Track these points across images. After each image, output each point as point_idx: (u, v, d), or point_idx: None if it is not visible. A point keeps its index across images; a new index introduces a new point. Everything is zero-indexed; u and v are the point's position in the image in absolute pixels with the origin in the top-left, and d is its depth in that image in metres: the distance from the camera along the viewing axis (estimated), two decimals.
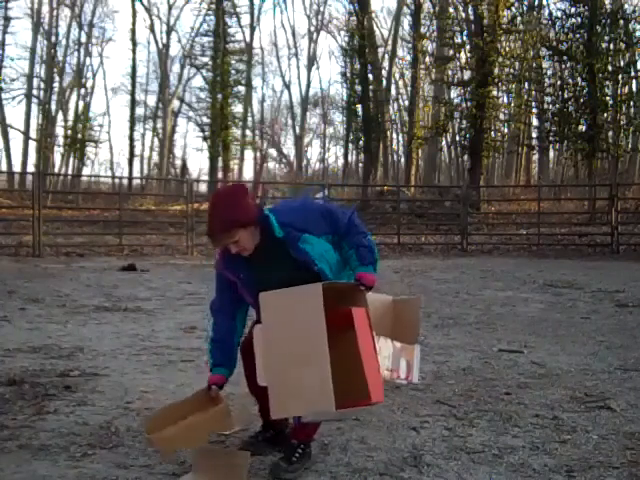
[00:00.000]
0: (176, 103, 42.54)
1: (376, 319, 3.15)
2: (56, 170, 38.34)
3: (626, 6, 26.10)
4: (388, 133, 36.60)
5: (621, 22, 23.82)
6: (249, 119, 42.20)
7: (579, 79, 24.36)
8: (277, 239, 3.23)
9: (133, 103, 37.24)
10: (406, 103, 38.54)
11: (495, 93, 27.70)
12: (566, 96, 25.14)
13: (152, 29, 42.72)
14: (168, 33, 42.14)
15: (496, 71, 26.01)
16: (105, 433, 3.73)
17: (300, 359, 2.86)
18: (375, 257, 3.27)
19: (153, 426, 3.10)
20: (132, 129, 36.59)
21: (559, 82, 26.65)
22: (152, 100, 43.78)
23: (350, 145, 36.10)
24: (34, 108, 38.19)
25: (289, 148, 56.77)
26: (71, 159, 39.40)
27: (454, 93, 30.88)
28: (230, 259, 3.31)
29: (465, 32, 28.33)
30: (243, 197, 3.21)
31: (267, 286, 3.14)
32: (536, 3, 28.90)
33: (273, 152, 51.29)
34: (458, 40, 28.53)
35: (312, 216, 3.26)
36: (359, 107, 30.69)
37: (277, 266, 3.28)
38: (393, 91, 41.02)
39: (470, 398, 4.48)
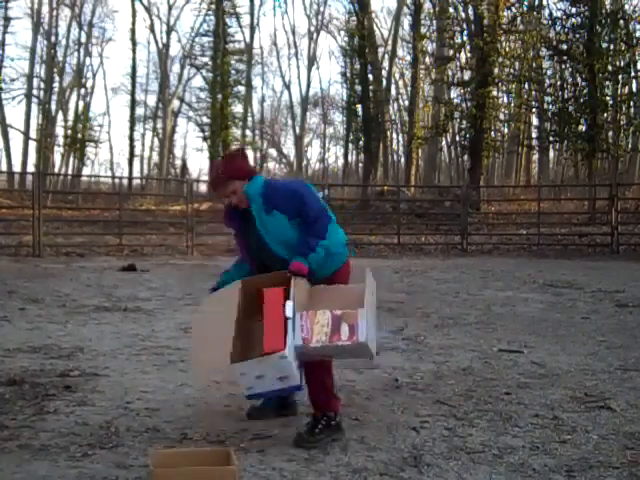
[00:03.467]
0: (176, 103, 42.49)
1: (318, 297, 3.64)
2: (56, 170, 38.28)
3: (626, 6, 26.09)
4: (388, 133, 36.55)
5: (621, 22, 23.79)
6: (249, 119, 42.12)
7: (579, 79, 24.35)
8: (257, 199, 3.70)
9: (133, 103, 37.21)
10: (406, 103, 38.51)
11: (495, 93, 27.66)
12: (566, 96, 25.13)
13: (152, 29, 42.48)
14: (168, 33, 42.07)
15: (496, 71, 25.97)
16: (105, 433, 3.73)
17: (217, 336, 3.49)
18: (308, 251, 3.61)
19: (158, 462, 3.00)
20: (132, 129, 36.55)
21: (559, 82, 26.63)
22: (152, 100, 43.70)
23: (350, 145, 36.06)
24: (34, 108, 38.15)
25: (289, 148, 56.70)
26: (71, 159, 39.36)
27: (454, 93, 30.82)
28: (229, 215, 3.85)
29: (465, 32, 28.28)
30: (239, 158, 3.83)
31: (254, 244, 3.76)
32: (536, 3, 28.83)
33: (273, 152, 51.24)
34: (458, 40, 28.48)
35: (292, 198, 3.67)
36: (359, 107, 30.66)
37: (256, 231, 3.74)
38: (393, 91, 40.98)
39: (470, 398, 4.48)
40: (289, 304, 3.45)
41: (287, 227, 3.65)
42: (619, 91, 26.08)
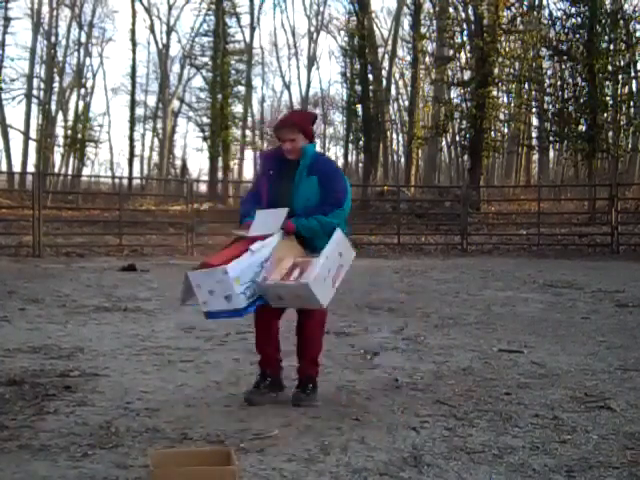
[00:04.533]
0: (176, 103, 42.45)
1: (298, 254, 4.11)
2: (56, 170, 38.27)
3: (626, 6, 26.10)
4: (388, 133, 36.54)
5: (621, 22, 23.81)
6: (249, 119, 42.12)
7: (579, 79, 24.35)
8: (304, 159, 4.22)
9: (133, 103, 37.20)
10: (406, 103, 38.53)
11: (495, 93, 27.67)
12: (566, 96, 25.14)
13: (152, 29, 42.42)
14: (168, 33, 42.04)
15: (496, 71, 25.98)
16: (105, 433, 3.73)
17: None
18: (304, 218, 4.12)
19: (158, 462, 2.98)
20: (132, 129, 36.54)
21: (559, 82, 26.64)
22: (152, 100, 43.70)
23: (350, 145, 36.05)
24: (34, 108, 38.16)
25: None
26: (71, 159, 39.36)
27: (454, 93, 30.82)
28: (269, 158, 4.45)
29: (465, 32, 28.29)
30: (313, 121, 4.46)
31: (278, 193, 4.22)
32: (536, 3, 28.85)
33: None
34: (458, 40, 28.49)
35: (330, 176, 4.23)
36: (359, 107, 30.66)
37: (291, 183, 4.21)
38: (393, 91, 40.99)
39: (470, 398, 4.47)
40: (259, 243, 3.97)
41: (315, 194, 4.19)
42: (619, 91, 26.08)
